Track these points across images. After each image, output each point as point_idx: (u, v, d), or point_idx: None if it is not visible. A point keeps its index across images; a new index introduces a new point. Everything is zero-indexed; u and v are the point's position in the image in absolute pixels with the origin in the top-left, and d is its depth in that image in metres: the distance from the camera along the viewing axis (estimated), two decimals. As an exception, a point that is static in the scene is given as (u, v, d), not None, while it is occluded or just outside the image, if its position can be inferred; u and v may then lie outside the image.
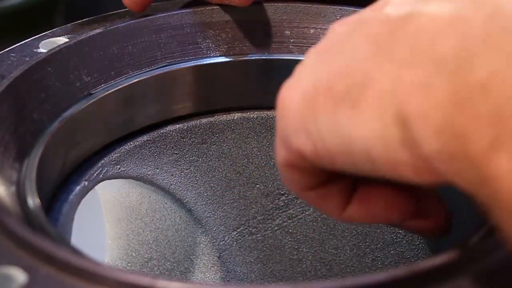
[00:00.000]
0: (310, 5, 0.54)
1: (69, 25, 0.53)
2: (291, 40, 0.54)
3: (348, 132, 0.31)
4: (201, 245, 0.55)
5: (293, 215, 0.57)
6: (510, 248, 0.27)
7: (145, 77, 0.50)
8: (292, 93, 0.34)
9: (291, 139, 0.34)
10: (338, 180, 0.36)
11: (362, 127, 0.30)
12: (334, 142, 0.32)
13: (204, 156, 0.55)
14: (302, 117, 0.33)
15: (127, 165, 0.51)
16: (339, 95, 0.31)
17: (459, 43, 0.28)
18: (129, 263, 0.53)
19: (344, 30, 0.34)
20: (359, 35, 0.32)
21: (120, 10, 0.54)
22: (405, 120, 0.29)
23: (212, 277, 0.55)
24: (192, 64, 0.52)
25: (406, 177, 0.30)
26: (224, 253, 0.56)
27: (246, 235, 0.56)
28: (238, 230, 0.55)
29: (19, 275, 0.32)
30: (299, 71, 0.35)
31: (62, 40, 0.50)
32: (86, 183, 0.47)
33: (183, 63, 0.52)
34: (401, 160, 0.29)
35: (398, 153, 0.29)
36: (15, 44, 0.50)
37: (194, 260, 0.54)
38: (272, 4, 0.55)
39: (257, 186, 0.56)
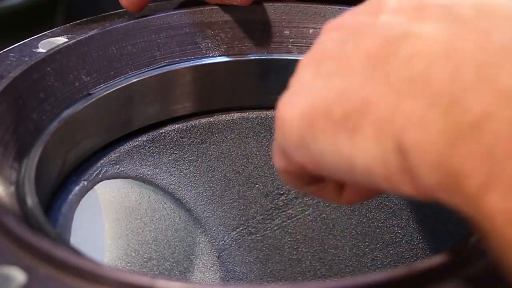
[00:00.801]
0: (310, 5, 0.54)
1: (68, 25, 0.53)
2: (290, 40, 0.54)
3: (349, 154, 0.31)
4: (201, 245, 0.55)
5: (293, 215, 0.57)
6: (507, 275, 0.27)
7: (144, 77, 0.50)
8: (290, 111, 0.34)
9: (292, 154, 0.35)
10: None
11: (363, 152, 0.31)
12: (334, 161, 0.32)
13: (204, 156, 0.55)
14: (302, 135, 0.33)
15: (126, 165, 0.51)
16: (338, 119, 0.32)
17: (453, 76, 0.28)
18: (128, 263, 0.53)
19: (339, 38, 0.34)
20: (354, 49, 0.33)
21: (119, 10, 0.54)
22: (403, 149, 0.29)
23: (212, 277, 0.55)
24: (191, 64, 0.52)
25: (409, 196, 0.31)
26: (223, 253, 0.56)
27: (246, 235, 0.56)
28: (238, 230, 0.55)
29: (19, 275, 0.32)
30: (296, 86, 0.35)
31: (61, 40, 0.50)
32: (86, 183, 0.47)
33: (182, 63, 0.52)
34: (401, 182, 0.30)
35: (399, 177, 0.30)
36: (15, 44, 0.50)
37: (194, 260, 0.54)
38: (272, 4, 0.55)
39: (257, 186, 0.56)
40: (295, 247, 0.57)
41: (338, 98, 0.32)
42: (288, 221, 0.57)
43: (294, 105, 0.34)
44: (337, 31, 0.35)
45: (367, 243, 0.56)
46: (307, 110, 0.33)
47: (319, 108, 0.33)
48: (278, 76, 0.53)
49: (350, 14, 0.35)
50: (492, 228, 0.27)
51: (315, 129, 0.33)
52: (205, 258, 0.54)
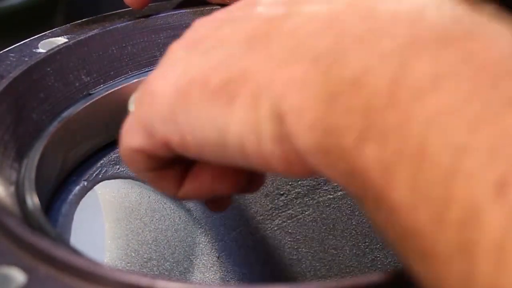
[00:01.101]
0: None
1: (68, 25, 0.53)
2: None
3: (222, 124, 0.31)
4: (201, 245, 0.55)
5: (293, 215, 0.57)
6: (380, 234, 0.28)
7: (144, 77, 0.50)
8: (163, 83, 0.33)
9: (157, 127, 0.34)
10: (177, 163, 0.37)
11: (237, 121, 0.31)
12: (205, 135, 0.32)
13: (204, 156, 0.55)
14: (173, 108, 0.33)
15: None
16: (215, 89, 0.31)
17: (334, 40, 0.29)
18: (128, 263, 0.52)
19: (212, 26, 0.34)
20: (232, 31, 0.33)
21: (119, 10, 0.54)
22: (280, 115, 0.29)
23: (212, 277, 0.55)
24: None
25: (278, 170, 0.31)
26: (223, 253, 0.56)
27: (246, 235, 0.56)
28: (238, 230, 0.55)
29: (18, 275, 0.32)
30: (167, 63, 0.35)
31: (61, 40, 0.50)
32: (86, 183, 0.47)
33: (182, 63, 0.52)
34: (273, 154, 0.30)
35: (270, 147, 0.30)
36: (15, 44, 0.50)
37: (194, 260, 0.54)
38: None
39: (257, 186, 0.56)
40: (295, 247, 0.57)
41: (215, 68, 0.32)
42: (288, 221, 0.57)
43: (167, 78, 0.33)
44: (211, 22, 0.35)
45: (367, 243, 0.56)
46: (182, 81, 0.32)
47: (195, 78, 0.32)
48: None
49: (223, 10, 0.35)
50: (364, 184, 0.27)
51: (189, 100, 0.32)
52: (205, 258, 0.54)
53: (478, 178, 0.23)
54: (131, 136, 0.35)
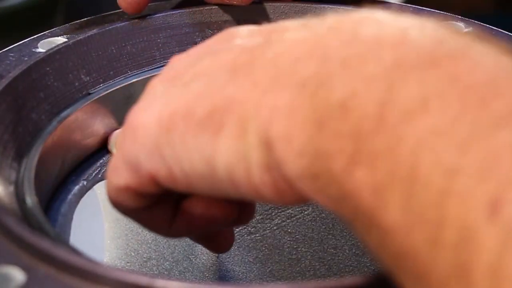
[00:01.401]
0: (309, 5, 0.54)
1: (67, 25, 0.53)
2: (290, 40, 0.54)
3: (210, 154, 0.31)
4: (200, 244, 0.55)
5: (292, 215, 0.57)
6: (373, 259, 0.28)
7: (143, 77, 0.50)
8: (145, 117, 0.33)
9: (142, 163, 0.33)
10: (165, 200, 0.36)
11: (224, 151, 0.30)
12: (193, 166, 0.31)
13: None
14: (158, 141, 0.32)
15: (126, 164, 0.51)
16: (200, 120, 0.31)
17: (319, 65, 0.28)
18: (128, 262, 0.52)
19: (190, 60, 0.34)
20: (212, 63, 0.32)
21: (119, 10, 0.54)
22: (268, 142, 0.29)
23: (211, 276, 0.55)
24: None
25: (268, 198, 0.30)
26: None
27: (245, 235, 0.56)
28: (237, 229, 0.55)
29: (18, 275, 0.32)
30: (147, 98, 0.34)
31: (61, 40, 0.50)
32: (85, 182, 0.47)
33: (182, 63, 0.52)
34: (263, 182, 0.30)
35: (260, 175, 0.30)
36: (14, 44, 0.50)
37: (193, 260, 0.54)
38: (272, 4, 0.55)
39: (256, 185, 0.56)
40: (295, 246, 0.57)
41: (198, 99, 0.31)
42: (288, 220, 0.57)
43: (149, 111, 0.32)
44: (188, 57, 0.34)
45: (366, 243, 0.56)
46: (165, 113, 0.32)
47: (178, 110, 0.31)
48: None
49: (199, 45, 0.35)
50: (356, 208, 0.26)
51: (174, 132, 0.31)
52: (204, 257, 0.54)
53: (471, 198, 0.23)
54: (117, 174, 0.34)
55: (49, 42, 0.50)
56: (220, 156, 0.30)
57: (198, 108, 0.31)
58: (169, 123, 0.32)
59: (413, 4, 0.57)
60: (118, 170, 0.34)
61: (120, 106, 0.50)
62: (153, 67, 0.51)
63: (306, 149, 0.28)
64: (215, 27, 0.54)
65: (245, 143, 0.30)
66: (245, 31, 0.34)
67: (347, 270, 0.57)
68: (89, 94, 0.48)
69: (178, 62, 0.35)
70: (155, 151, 0.32)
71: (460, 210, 0.23)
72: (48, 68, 0.46)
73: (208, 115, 0.31)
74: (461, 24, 0.53)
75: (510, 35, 0.52)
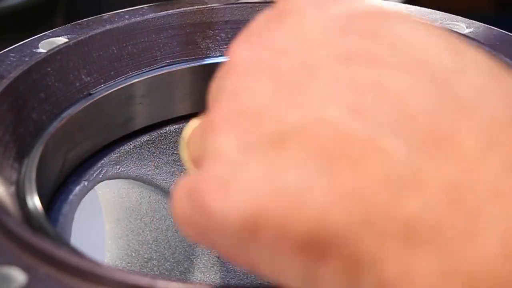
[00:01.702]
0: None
1: (68, 25, 0.53)
2: (291, 40, 0.54)
3: (307, 281, 0.25)
4: (201, 245, 0.55)
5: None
6: None
7: (144, 77, 0.50)
8: (223, 202, 0.25)
9: (219, 244, 0.27)
10: None
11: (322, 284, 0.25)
12: (285, 276, 0.26)
13: (204, 156, 0.55)
14: (241, 239, 0.25)
15: (126, 165, 0.51)
16: (300, 240, 0.24)
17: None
18: (128, 263, 0.52)
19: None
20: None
21: (119, 10, 0.54)
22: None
23: (212, 277, 0.55)
24: (192, 64, 0.52)
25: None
26: (223, 253, 0.56)
27: (246, 235, 0.56)
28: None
29: (19, 275, 0.32)
30: (218, 165, 0.25)
31: (62, 40, 0.50)
32: (86, 183, 0.47)
33: (182, 63, 0.52)
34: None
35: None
36: (15, 44, 0.50)
37: (194, 260, 0.54)
38: (272, 4, 0.54)
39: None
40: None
41: (295, 205, 0.23)
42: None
43: (228, 197, 0.25)
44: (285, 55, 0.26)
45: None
46: (250, 210, 0.24)
47: (268, 214, 0.24)
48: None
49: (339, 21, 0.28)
50: None
51: (261, 240, 0.24)
52: (205, 258, 0.54)
53: None
54: (187, 230, 0.28)
55: (50, 43, 0.50)
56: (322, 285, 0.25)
57: (297, 223, 0.24)
58: (255, 227, 0.25)
59: (413, 4, 0.57)
60: (186, 228, 0.28)
61: (121, 106, 0.50)
62: (154, 68, 0.51)
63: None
64: (216, 27, 0.54)
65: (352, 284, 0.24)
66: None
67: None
68: (90, 94, 0.48)
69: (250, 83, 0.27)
70: (237, 245, 0.26)
71: None
72: (49, 69, 0.46)
73: (310, 236, 0.24)
74: (461, 24, 0.53)
75: (510, 35, 0.52)
